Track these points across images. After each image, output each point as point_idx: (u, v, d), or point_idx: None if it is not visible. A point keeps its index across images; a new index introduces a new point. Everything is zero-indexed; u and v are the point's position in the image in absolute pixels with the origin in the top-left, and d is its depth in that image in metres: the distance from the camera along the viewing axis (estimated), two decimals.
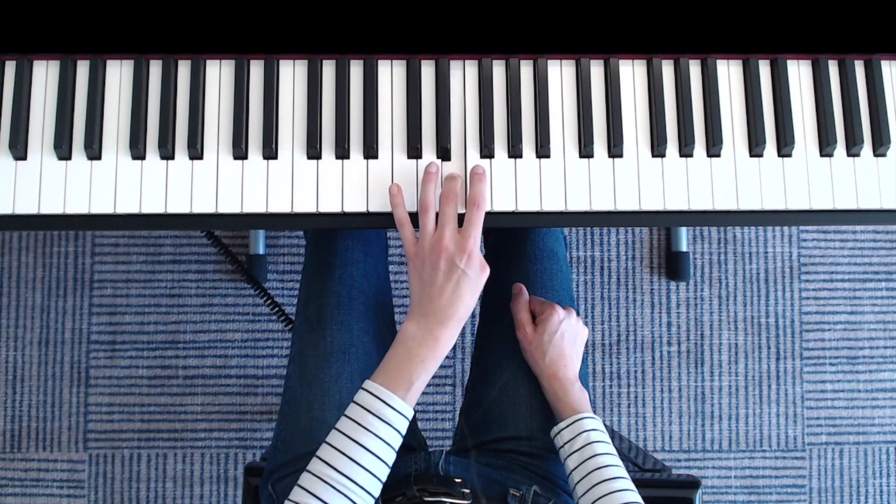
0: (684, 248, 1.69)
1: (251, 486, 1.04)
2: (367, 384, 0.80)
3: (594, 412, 0.91)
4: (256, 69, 0.86)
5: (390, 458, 0.79)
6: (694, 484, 1.04)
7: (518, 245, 1.08)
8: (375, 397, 0.79)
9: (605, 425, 0.91)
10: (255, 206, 0.84)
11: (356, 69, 0.87)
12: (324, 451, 0.78)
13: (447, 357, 1.66)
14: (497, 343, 1.02)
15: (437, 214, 0.83)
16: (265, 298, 1.43)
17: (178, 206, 0.84)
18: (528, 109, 0.87)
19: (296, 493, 0.76)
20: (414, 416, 1.04)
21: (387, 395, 0.79)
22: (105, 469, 1.63)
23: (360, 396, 0.79)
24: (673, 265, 1.69)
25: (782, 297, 1.71)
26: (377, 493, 0.78)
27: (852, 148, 0.87)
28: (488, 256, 1.16)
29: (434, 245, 0.82)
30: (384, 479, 0.78)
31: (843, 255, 1.72)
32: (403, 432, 0.80)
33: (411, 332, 0.82)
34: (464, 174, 0.86)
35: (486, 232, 1.22)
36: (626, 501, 0.80)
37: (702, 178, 0.87)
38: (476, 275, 0.82)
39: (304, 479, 0.77)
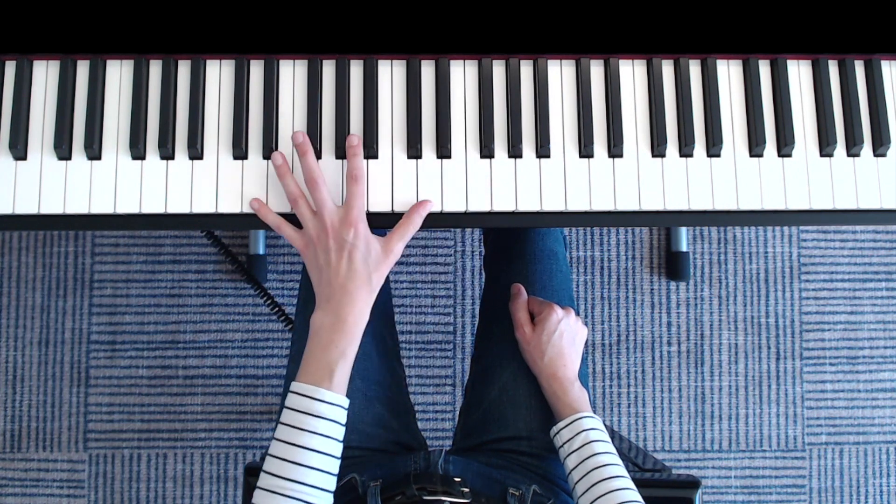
0: (684, 248, 1.69)
1: (251, 486, 1.03)
2: (293, 385, 0.80)
3: (594, 412, 0.91)
4: (256, 69, 0.86)
5: (337, 450, 0.78)
6: (694, 484, 1.04)
7: (518, 245, 1.08)
8: (303, 396, 0.78)
9: (605, 425, 0.91)
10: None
11: (356, 69, 0.87)
12: (268, 463, 0.77)
13: (447, 357, 1.66)
14: (497, 343, 1.02)
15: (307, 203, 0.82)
16: (265, 298, 1.43)
17: (178, 206, 0.84)
18: (528, 109, 0.87)
19: None
20: (414, 415, 1.04)
21: (313, 391, 0.78)
22: (105, 469, 1.63)
23: (290, 399, 0.79)
24: (673, 265, 1.69)
25: (782, 297, 1.71)
26: (332, 487, 0.78)
27: (852, 148, 0.87)
28: (488, 256, 1.16)
29: (318, 228, 0.81)
30: (336, 471, 0.78)
31: (843, 255, 1.72)
32: (343, 422, 0.79)
33: (319, 321, 0.81)
34: (464, 174, 0.86)
35: (486, 232, 1.22)
36: (626, 500, 0.80)
37: (702, 178, 0.87)
38: (367, 247, 0.81)
39: (257, 495, 0.76)
